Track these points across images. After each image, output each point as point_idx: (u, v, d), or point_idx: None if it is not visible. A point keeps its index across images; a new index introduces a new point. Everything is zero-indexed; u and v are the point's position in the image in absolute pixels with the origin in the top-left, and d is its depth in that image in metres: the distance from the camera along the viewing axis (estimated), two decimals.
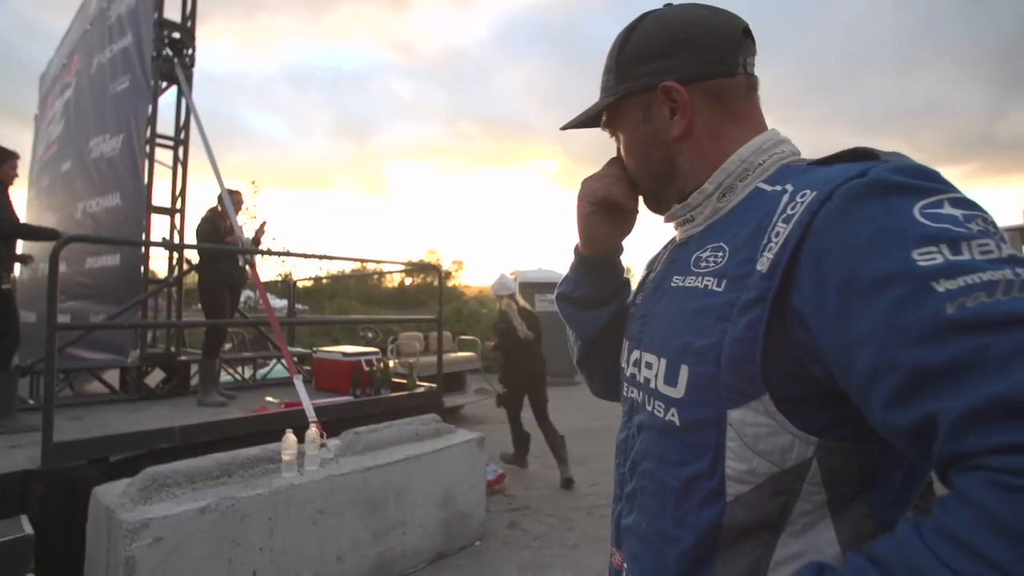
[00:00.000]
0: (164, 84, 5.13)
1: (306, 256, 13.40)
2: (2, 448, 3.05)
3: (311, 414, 3.08)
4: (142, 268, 4.74)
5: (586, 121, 0.79)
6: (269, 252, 9.62)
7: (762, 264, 0.55)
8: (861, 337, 0.47)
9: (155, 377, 5.00)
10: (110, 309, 4.96)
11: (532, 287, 10.84)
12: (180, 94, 5.21)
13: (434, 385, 4.68)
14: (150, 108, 4.85)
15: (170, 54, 4.96)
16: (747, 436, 0.56)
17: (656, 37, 0.70)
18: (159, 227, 5.04)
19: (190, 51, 5.11)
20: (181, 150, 5.08)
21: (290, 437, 2.68)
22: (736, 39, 0.68)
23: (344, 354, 4.91)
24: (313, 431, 2.81)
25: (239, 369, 5.48)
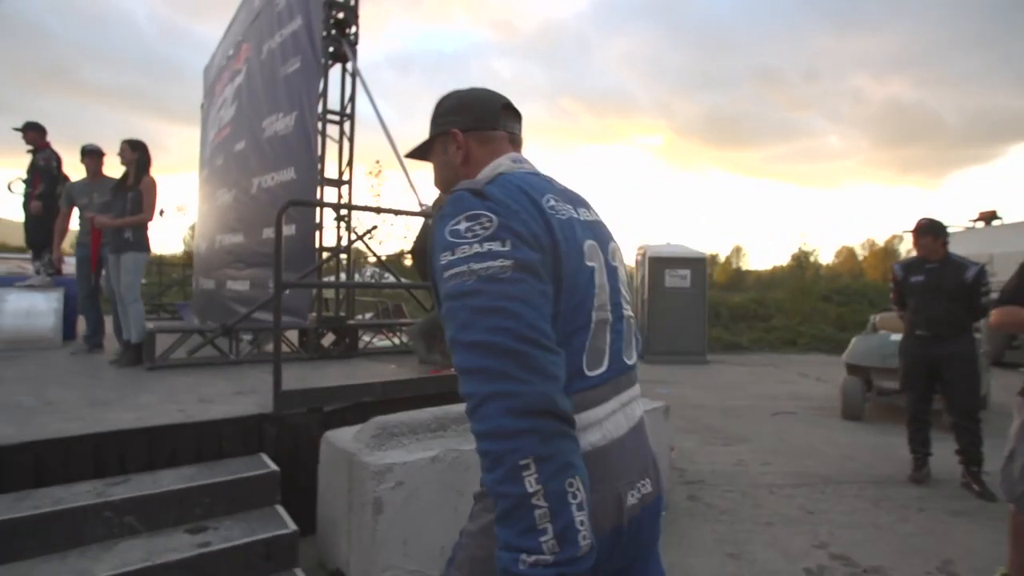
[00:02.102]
0: (330, 63, 5.39)
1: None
2: (230, 394, 3.36)
3: None
4: (316, 237, 5.04)
5: (415, 153, 1.23)
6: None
7: None
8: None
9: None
10: (287, 276, 5.37)
11: (661, 262, 10.51)
12: (344, 72, 5.46)
13: None
14: (321, 85, 5.10)
15: (336, 33, 5.20)
16: None
17: (451, 103, 1.16)
18: (328, 198, 5.34)
19: (354, 29, 5.32)
20: (347, 124, 5.32)
21: None
22: (495, 109, 1.14)
23: None
24: None
25: (394, 335, 5.74)
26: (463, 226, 0.87)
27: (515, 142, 1.16)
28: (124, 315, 4.40)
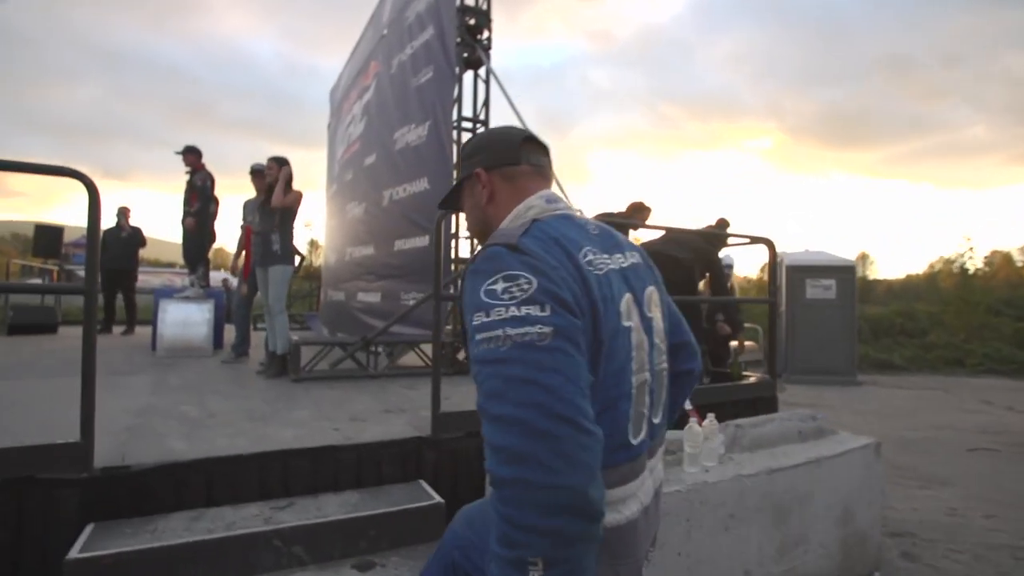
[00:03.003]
0: (464, 70, 5.27)
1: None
2: (379, 412, 3.21)
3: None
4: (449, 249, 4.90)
5: (447, 203, 1.26)
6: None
7: None
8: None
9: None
10: (420, 288, 5.27)
11: (801, 271, 9.51)
12: (476, 78, 5.32)
13: (766, 376, 4.05)
14: (456, 90, 4.98)
15: (469, 38, 5.08)
16: None
17: (473, 145, 1.19)
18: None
19: (487, 33, 5.17)
20: (481, 130, 5.15)
21: (695, 428, 2.30)
22: (516, 143, 1.11)
23: None
24: (712, 423, 2.40)
25: None
26: (500, 287, 0.83)
27: (543, 175, 1.12)
28: (271, 326, 4.47)
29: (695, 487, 2.16)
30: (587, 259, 0.91)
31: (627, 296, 0.95)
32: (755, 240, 4.24)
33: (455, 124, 5.02)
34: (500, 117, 5.07)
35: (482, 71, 5.27)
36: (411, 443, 2.67)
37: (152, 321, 5.96)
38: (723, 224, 5.19)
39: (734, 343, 5.40)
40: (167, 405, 3.25)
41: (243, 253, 5.56)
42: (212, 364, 5.10)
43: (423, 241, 5.24)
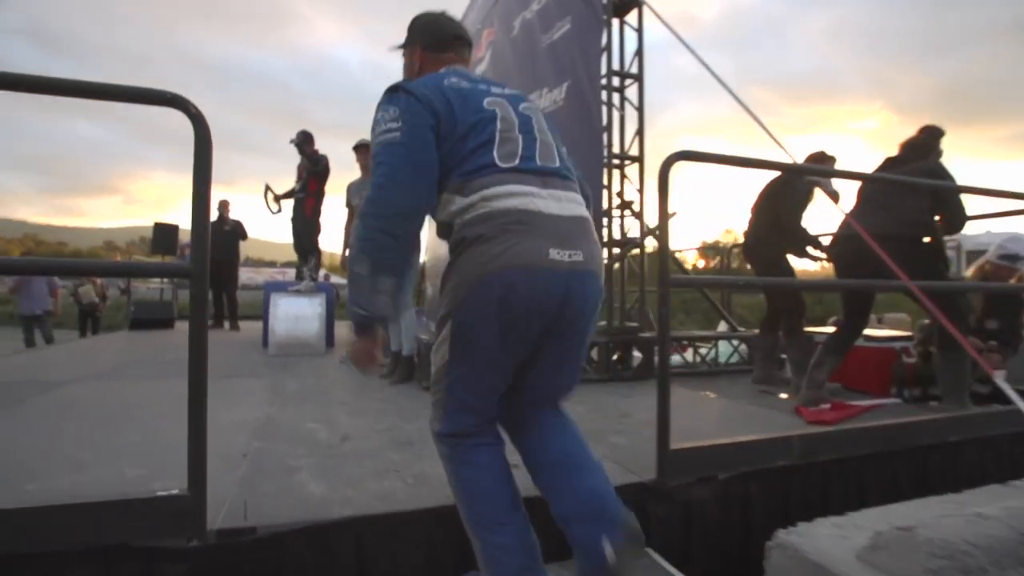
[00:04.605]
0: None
1: None
2: None
3: None
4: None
5: (399, 47, 1.65)
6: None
7: None
8: None
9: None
10: None
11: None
12: (623, 27, 4.43)
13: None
14: (604, 38, 4.11)
15: None
16: None
17: (420, 24, 1.60)
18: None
19: None
20: (634, 88, 4.26)
21: None
22: (449, 37, 1.57)
23: (869, 338, 3.49)
24: None
25: (684, 349, 4.52)
26: (389, 108, 1.32)
27: (462, 58, 1.59)
28: (394, 324, 3.83)
29: None
30: (451, 82, 1.39)
31: (493, 99, 1.40)
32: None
33: (603, 80, 4.13)
34: (655, 71, 4.12)
35: (631, 16, 4.36)
36: (630, 493, 1.84)
37: (263, 316, 5.58)
38: (822, 158, 3.72)
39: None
40: (290, 421, 2.63)
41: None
42: (328, 365, 4.57)
43: None
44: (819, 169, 3.33)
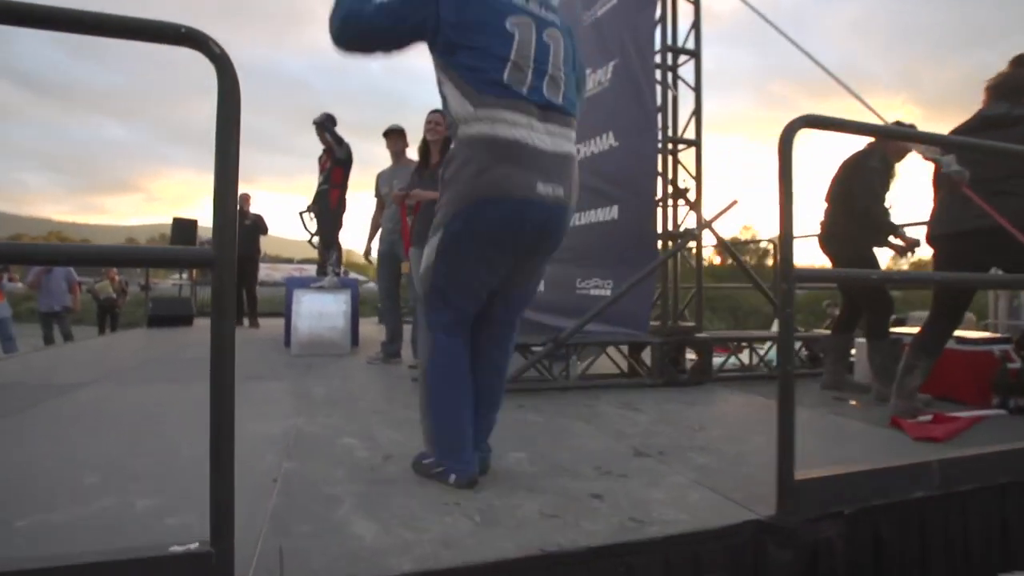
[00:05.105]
0: None
1: None
2: (628, 457, 2.07)
3: None
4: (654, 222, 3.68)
5: None
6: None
7: None
8: None
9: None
10: (604, 273, 4.12)
11: None
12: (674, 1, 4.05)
13: None
14: (658, 11, 3.75)
15: None
16: None
17: None
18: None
19: None
20: (690, 65, 3.88)
21: None
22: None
23: (962, 340, 3.09)
24: None
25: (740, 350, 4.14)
26: None
27: None
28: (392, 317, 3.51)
29: None
30: None
31: (519, 18, 1.54)
32: None
33: (659, 56, 3.76)
34: (711, 48, 3.68)
35: None
36: (743, 534, 1.49)
37: (285, 314, 5.31)
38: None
39: None
40: (322, 435, 2.32)
41: (379, 231, 4.68)
42: (354, 366, 4.27)
43: (608, 213, 4.08)
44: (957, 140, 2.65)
